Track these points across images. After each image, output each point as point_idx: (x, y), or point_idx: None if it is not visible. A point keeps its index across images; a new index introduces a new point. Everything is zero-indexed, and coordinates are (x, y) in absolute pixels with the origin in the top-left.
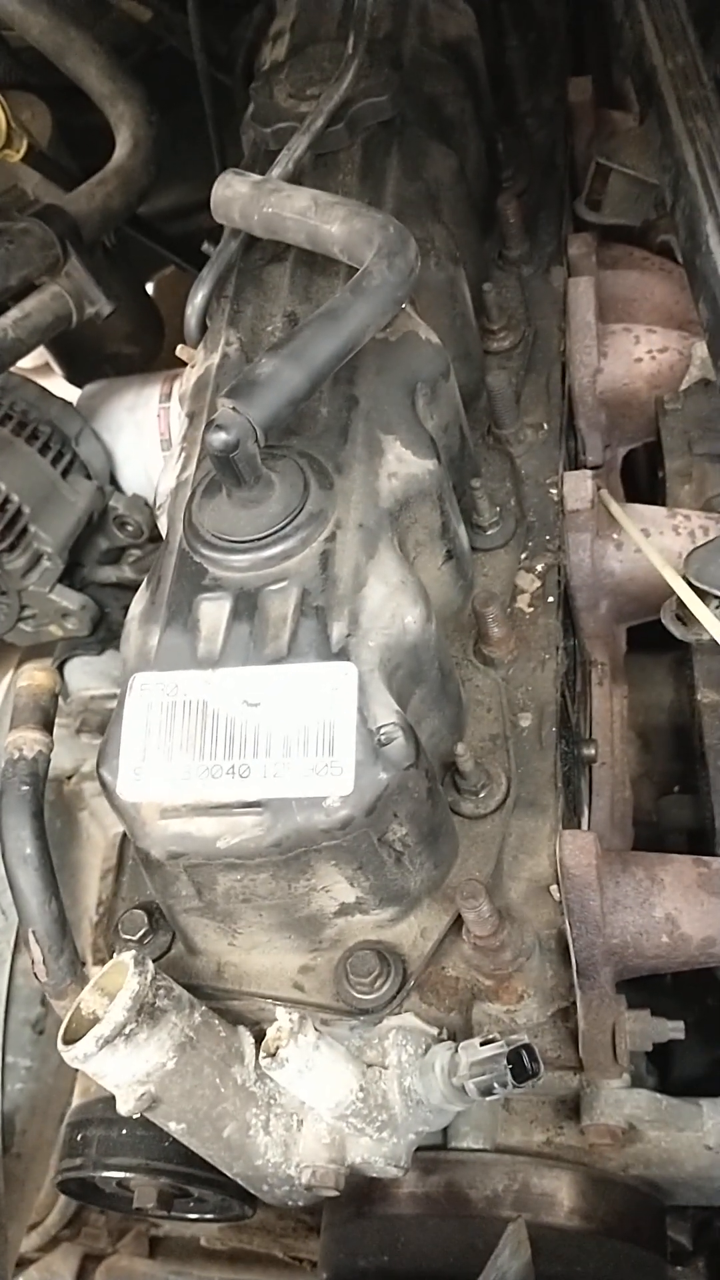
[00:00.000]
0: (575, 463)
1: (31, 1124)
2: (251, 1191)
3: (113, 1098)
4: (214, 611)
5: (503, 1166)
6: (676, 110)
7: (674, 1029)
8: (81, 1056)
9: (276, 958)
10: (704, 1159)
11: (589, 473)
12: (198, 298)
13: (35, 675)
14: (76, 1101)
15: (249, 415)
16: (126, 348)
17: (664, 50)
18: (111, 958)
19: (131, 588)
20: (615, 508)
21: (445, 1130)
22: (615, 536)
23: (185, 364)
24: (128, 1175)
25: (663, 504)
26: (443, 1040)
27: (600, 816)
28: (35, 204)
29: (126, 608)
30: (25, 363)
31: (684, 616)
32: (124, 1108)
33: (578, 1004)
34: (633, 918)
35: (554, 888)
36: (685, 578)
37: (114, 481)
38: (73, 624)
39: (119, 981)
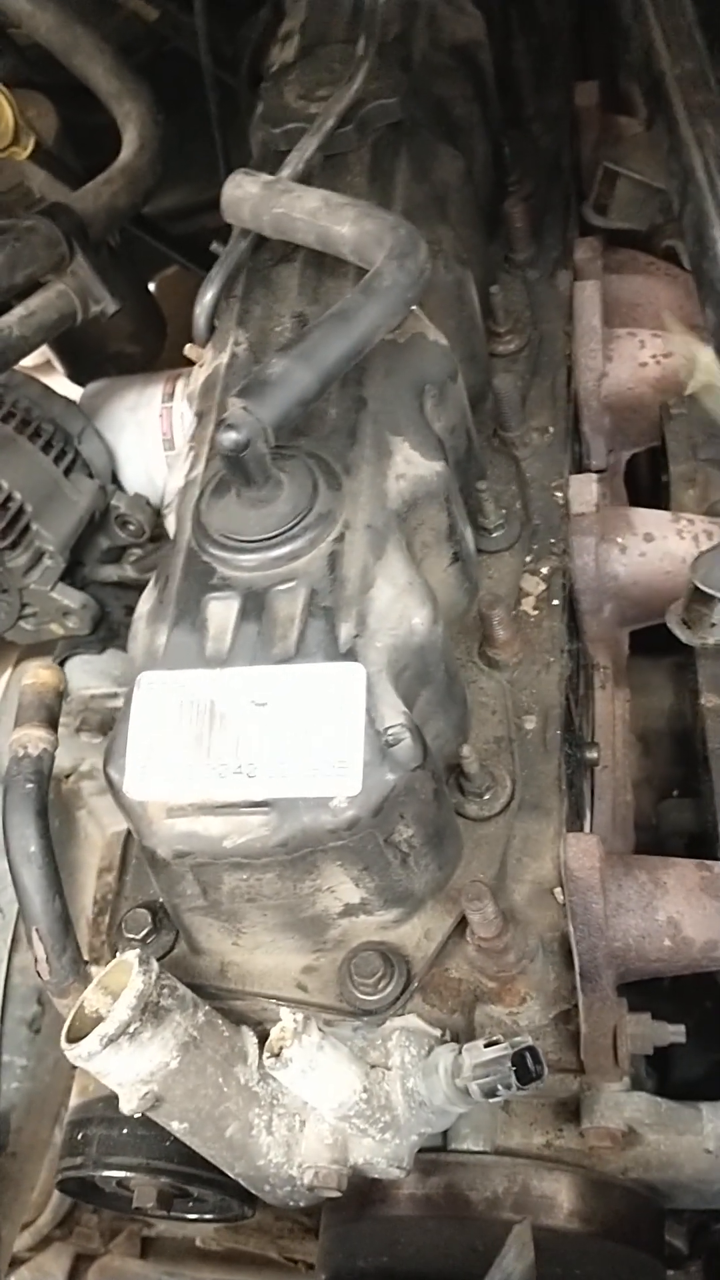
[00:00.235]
0: (579, 466)
1: (27, 1123)
2: (253, 1192)
3: (113, 1096)
4: (222, 611)
5: (503, 1169)
6: (685, 115)
7: (675, 1033)
8: (85, 1055)
9: (280, 958)
10: (703, 1162)
11: (594, 476)
12: (206, 297)
13: (40, 673)
14: (74, 1101)
15: (260, 415)
16: (129, 347)
17: (672, 55)
18: (113, 956)
19: (132, 587)
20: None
21: (445, 1132)
22: (620, 540)
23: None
24: (128, 1175)
25: (666, 508)
26: (445, 1042)
27: (602, 820)
28: (41, 202)
29: (127, 607)
30: (27, 360)
31: (690, 620)
32: (127, 1107)
33: (579, 1007)
34: (635, 921)
35: (558, 891)
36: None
37: (115, 480)
38: (73, 622)
39: (123, 980)
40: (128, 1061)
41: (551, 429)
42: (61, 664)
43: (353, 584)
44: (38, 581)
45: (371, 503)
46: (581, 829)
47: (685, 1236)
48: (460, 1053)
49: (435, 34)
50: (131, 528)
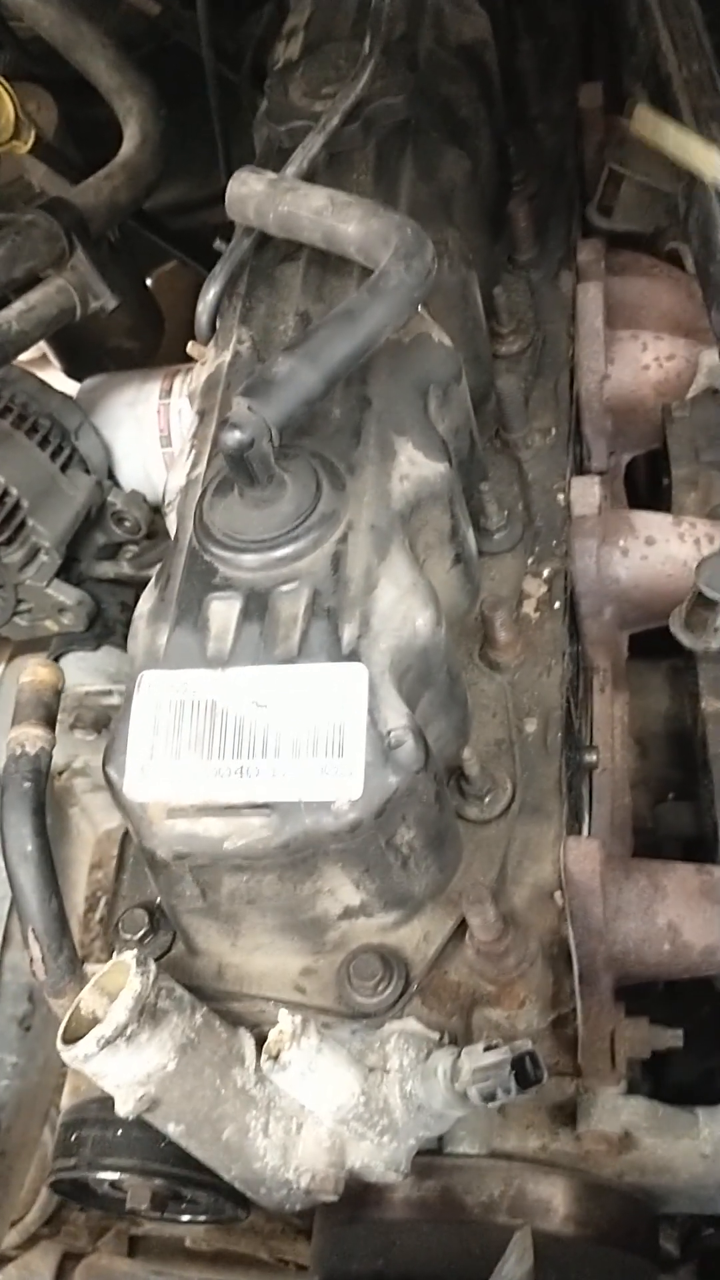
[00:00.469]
0: (581, 468)
1: (17, 1121)
2: (249, 1195)
3: (107, 1097)
4: (224, 611)
5: (499, 1172)
6: (691, 119)
7: (673, 1037)
8: (82, 1057)
9: (278, 959)
10: (699, 1167)
11: (596, 479)
12: (209, 295)
13: (39, 671)
14: (66, 1101)
15: (264, 414)
16: (126, 342)
17: (679, 58)
18: (108, 955)
19: (128, 583)
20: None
21: (441, 1135)
22: (621, 543)
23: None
24: (122, 1176)
25: (667, 511)
26: (444, 1045)
27: (601, 823)
28: (41, 196)
29: (123, 603)
30: (23, 355)
31: (692, 625)
32: (123, 1109)
33: (578, 1010)
34: (635, 925)
35: (558, 894)
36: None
37: (112, 476)
38: (69, 619)
39: (120, 981)
40: (125, 1064)
41: (554, 430)
42: (56, 660)
43: (356, 585)
44: (33, 578)
45: (375, 503)
46: (580, 832)
47: (677, 1240)
48: (459, 1056)
49: (441, 33)
50: (128, 524)
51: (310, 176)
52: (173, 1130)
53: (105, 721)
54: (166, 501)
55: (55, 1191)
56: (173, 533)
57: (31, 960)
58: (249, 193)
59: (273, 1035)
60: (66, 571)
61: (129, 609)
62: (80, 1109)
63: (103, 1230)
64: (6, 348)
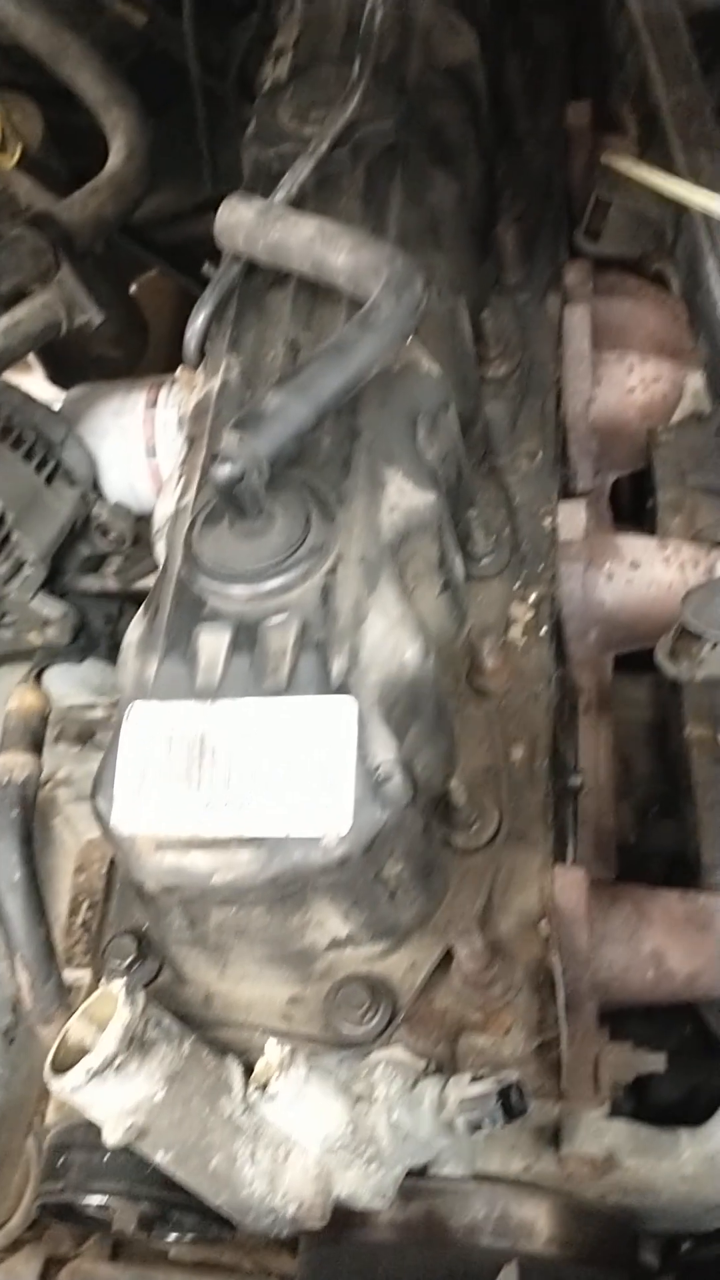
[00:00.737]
0: (566, 491)
1: (0, 1131)
2: (235, 1220)
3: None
4: (213, 642)
5: (483, 1195)
6: (680, 146)
7: (655, 1061)
8: (71, 1087)
9: (265, 988)
10: (681, 1188)
11: (583, 503)
12: (198, 320)
13: (26, 697)
14: (51, 1116)
15: (255, 448)
16: (111, 351)
17: (667, 84)
18: (95, 979)
19: (113, 596)
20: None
21: None
22: (607, 567)
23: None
24: (109, 1199)
25: (651, 532)
26: (430, 1074)
27: (585, 846)
28: (27, 210)
29: (107, 616)
30: None
31: (677, 655)
32: (111, 1139)
33: (562, 1036)
34: (620, 952)
35: (544, 923)
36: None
37: (96, 488)
38: (53, 633)
39: (108, 1010)
40: (113, 1094)
41: (540, 454)
42: (40, 673)
43: (345, 617)
44: (17, 591)
45: (365, 535)
46: (565, 855)
47: (656, 1252)
48: (445, 1086)
49: (430, 55)
50: (112, 536)
51: (299, 201)
52: (161, 1159)
53: (89, 734)
54: (155, 530)
55: (43, 1212)
56: (161, 561)
57: (19, 989)
58: (238, 220)
59: (260, 1065)
60: (50, 584)
61: (113, 622)
62: (67, 1132)
63: (86, 1236)
64: None
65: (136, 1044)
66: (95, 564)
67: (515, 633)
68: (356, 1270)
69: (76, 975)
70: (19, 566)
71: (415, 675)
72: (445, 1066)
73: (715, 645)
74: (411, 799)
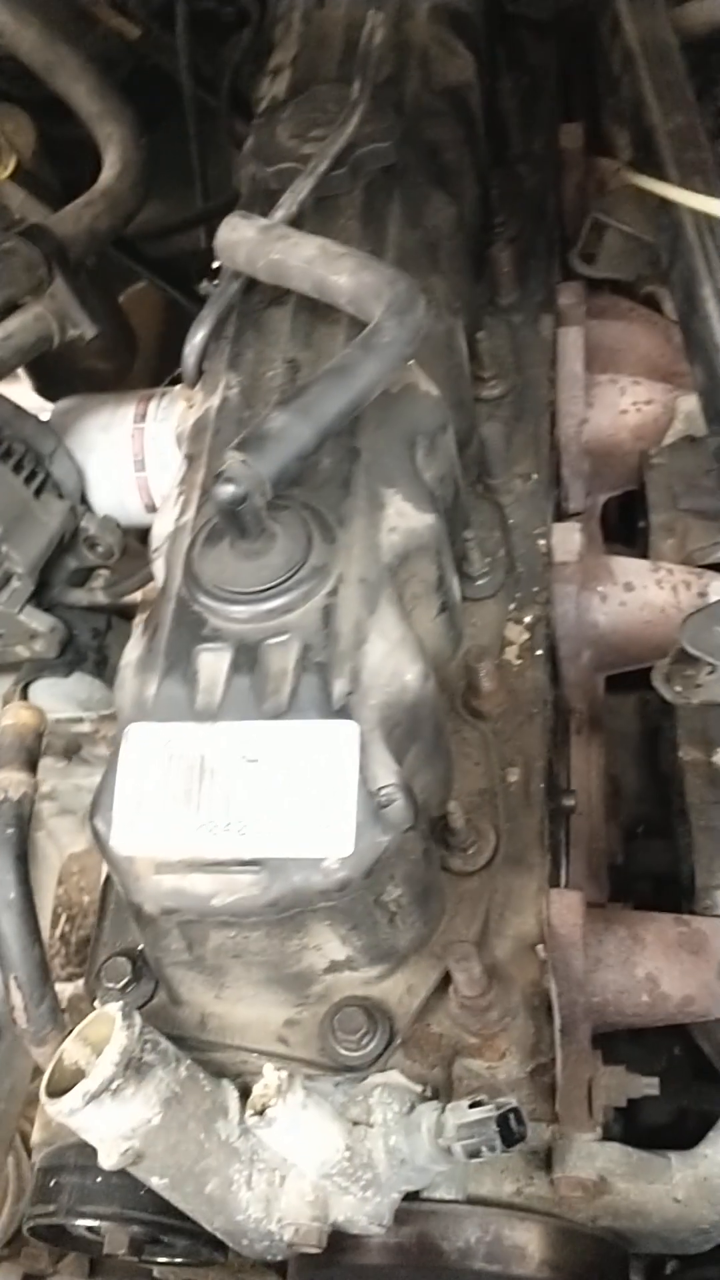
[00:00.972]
0: (559, 509)
1: None
2: (230, 1245)
3: (85, 1143)
4: (213, 663)
5: (475, 1218)
6: (675, 172)
7: (648, 1085)
8: (67, 1111)
9: (261, 1011)
10: (671, 1211)
11: (577, 525)
12: (196, 338)
13: (20, 714)
14: (37, 1135)
15: (258, 469)
16: (99, 363)
17: (663, 110)
18: (91, 1003)
19: (100, 610)
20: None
21: None
22: (601, 589)
23: (157, 381)
24: (101, 1224)
25: (642, 554)
26: (427, 1098)
27: (577, 868)
28: (20, 223)
29: (95, 630)
30: None
31: (675, 679)
32: (107, 1162)
33: (557, 1060)
34: (614, 976)
35: (540, 947)
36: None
37: (85, 501)
38: (40, 646)
39: (103, 1033)
40: (110, 1118)
41: (535, 475)
42: (26, 687)
43: (346, 639)
44: (5, 604)
45: (365, 556)
46: (559, 877)
47: (642, 1273)
48: (443, 1111)
49: (427, 76)
50: (100, 549)
51: (297, 221)
52: (156, 1183)
53: (75, 749)
54: (154, 548)
55: (33, 1236)
56: (159, 580)
57: (13, 1009)
58: (239, 239)
59: (258, 1089)
60: (38, 597)
61: (101, 635)
62: (58, 1154)
63: (63, 1254)
64: None
65: (134, 1067)
66: (83, 577)
67: (511, 654)
68: None
69: (57, 989)
70: (7, 579)
71: (416, 698)
72: (441, 1091)
73: (713, 670)
74: (413, 823)
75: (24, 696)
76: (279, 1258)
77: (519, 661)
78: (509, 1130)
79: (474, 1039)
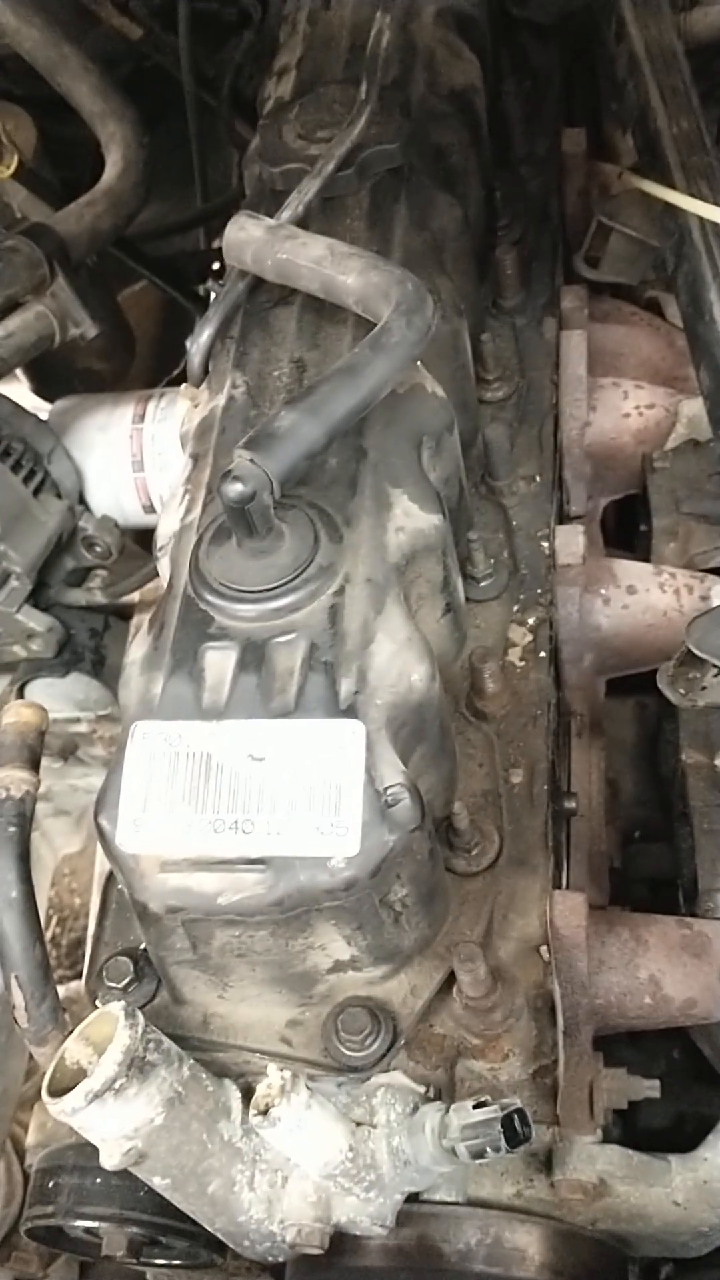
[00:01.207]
0: (563, 515)
1: None
2: (232, 1246)
3: (83, 1144)
4: (220, 661)
5: (475, 1220)
6: (681, 176)
7: (649, 1088)
8: (69, 1110)
9: (265, 1011)
10: (671, 1215)
11: (580, 528)
12: (203, 337)
13: (22, 712)
14: (33, 1137)
15: (266, 467)
16: (97, 363)
17: (668, 115)
18: (92, 1003)
19: (98, 610)
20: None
21: None
22: (603, 592)
23: (155, 381)
24: (100, 1225)
25: (643, 557)
26: (430, 1099)
27: (579, 870)
28: (22, 221)
29: (92, 630)
30: None
31: (680, 681)
32: (109, 1162)
33: (560, 1062)
34: (617, 979)
35: (544, 949)
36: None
37: (83, 501)
38: (38, 645)
39: (105, 1032)
40: (113, 1117)
41: (538, 478)
42: (23, 687)
43: (353, 638)
44: (3, 603)
45: (371, 555)
46: (560, 880)
47: (638, 1275)
48: (447, 1113)
49: (433, 78)
50: (98, 549)
51: (304, 221)
52: (159, 1184)
53: (72, 749)
54: (158, 546)
55: (30, 1237)
56: (165, 578)
57: (14, 1008)
58: (247, 238)
59: (261, 1089)
60: (36, 597)
61: (98, 635)
62: (57, 1155)
63: (53, 1257)
64: None
65: (136, 1067)
66: (81, 577)
67: (514, 656)
68: None
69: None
70: (5, 578)
71: (422, 698)
72: (443, 1092)
73: (718, 673)
74: (419, 823)
75: (20, 696)
76: (280, 1259)
77: (522, 663)
78: (513, 1131)
79: (477, 1040)
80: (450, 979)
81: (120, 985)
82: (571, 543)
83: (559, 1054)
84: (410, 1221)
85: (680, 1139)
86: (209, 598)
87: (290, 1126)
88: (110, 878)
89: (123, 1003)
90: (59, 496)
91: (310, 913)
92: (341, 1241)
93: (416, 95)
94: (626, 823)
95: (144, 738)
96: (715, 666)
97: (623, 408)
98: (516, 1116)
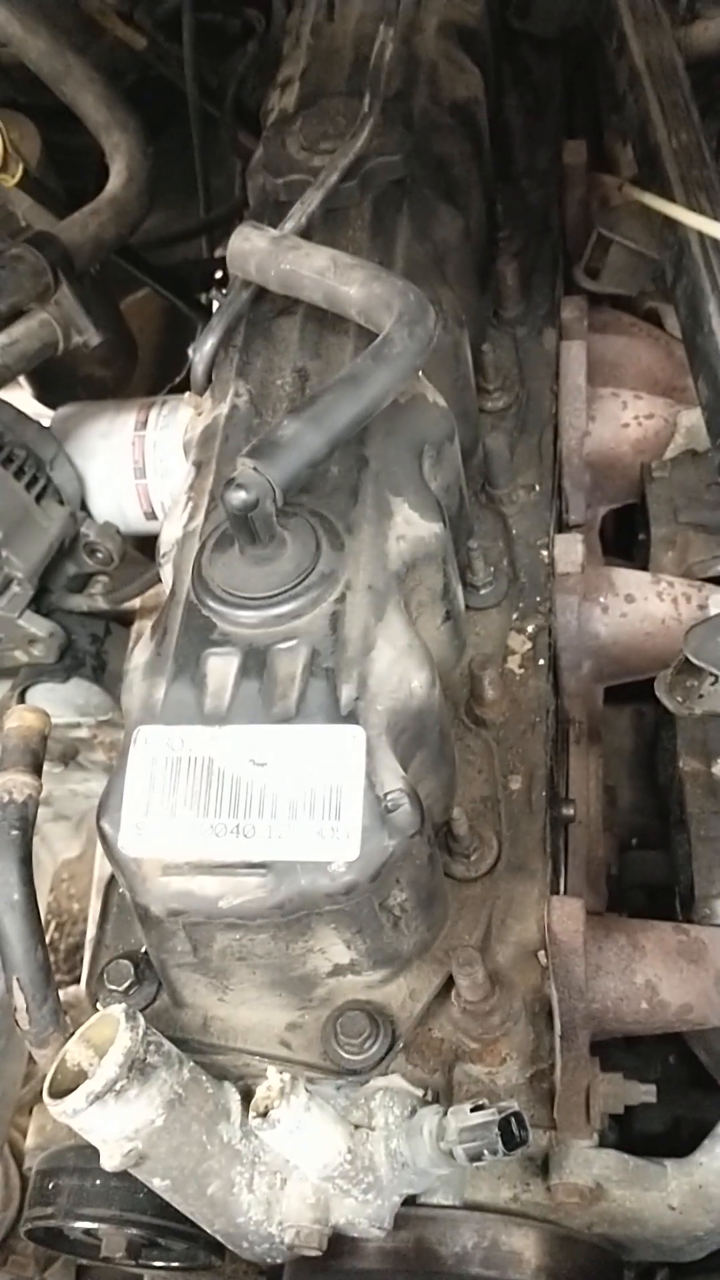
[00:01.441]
0: (562, 523)
1: None
2: (230, 1248)
3: (83, 1145)
4: (222, 667)
5: (472, 1223)
6: (680, 189)
7: (646, 1092)
8: (70, 1111)
9: (264, 1014)
10: (667, 1219)
11: (579, 536)
12: (206, 346)
13: (26, 717)
14: (32, 1140)
15: (269, 476)
16: (99, 370)
17: (668, 128)
18: (93, 1006)
19: (99, 616)
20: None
21: None
22: (602, 600)
23: (157, 389)
24: (100, 1226)
25: (641, 566)
26: (428, 1102)
27: (576, 876)
28: (27, 230)
29: (93, 635)
30: None
31: (678, 689)
32: (110, 1163)
33: (557, 1066)
34: (614, 984)
35: (541, 954)
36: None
37: (85, 507)
38: (39, 651)
39: (106, 1034)
40: (113, 1119)
41: (538, 487)
42: (24, 692)
43: (354, 645)
44: (5, 609)
45: (373, 563)
46: (558, 885)
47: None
48: (445, 1115)
49: (435, 91)
50: (100, 555)
51: (307, 232)
52: (158, 1185)
53: (73, 754)
54: (161, 553)
55: (29, 1238)
56: (168, 585)
57: (15, 1010)
58: (251, 248)
59: (261, 1092)
60: (37, 602)
61: (99, 641)
62: (57, 1157)
63: (50, 1261)
64: None
65: (137, 1069)
66: (82, 583)
67: (513, 664)
68: None
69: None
70: (7, 584)
71: (422, 705)
72: (441, 1095)
73: (716, 681)
74: (419, 828)
75: (22, 701)
76: (278, 1260)
77: (521, 670)
78: (511, 1134)
79: (474, 1044)
80: (449, 983)
81: (121, 988)
82: (570, 551)
83: (556, 1058)
84: (408, 1224)
85: (676, 1144)
86: (211, 604)
87: (289, 1129)
88: (111, 881)
89: (124, 1005)
90: (61, 502)
91: (310, 916)
92: (339, 1243)
93: (419, 108)
94: (624, 829)
95: (146, 742)
96: (712, 675)
97: (622, 418)
98: (513, 1120)
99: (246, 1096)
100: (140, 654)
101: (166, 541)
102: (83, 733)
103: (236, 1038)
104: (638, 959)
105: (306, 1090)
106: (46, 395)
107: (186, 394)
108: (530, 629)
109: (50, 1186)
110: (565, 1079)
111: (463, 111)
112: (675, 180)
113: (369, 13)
